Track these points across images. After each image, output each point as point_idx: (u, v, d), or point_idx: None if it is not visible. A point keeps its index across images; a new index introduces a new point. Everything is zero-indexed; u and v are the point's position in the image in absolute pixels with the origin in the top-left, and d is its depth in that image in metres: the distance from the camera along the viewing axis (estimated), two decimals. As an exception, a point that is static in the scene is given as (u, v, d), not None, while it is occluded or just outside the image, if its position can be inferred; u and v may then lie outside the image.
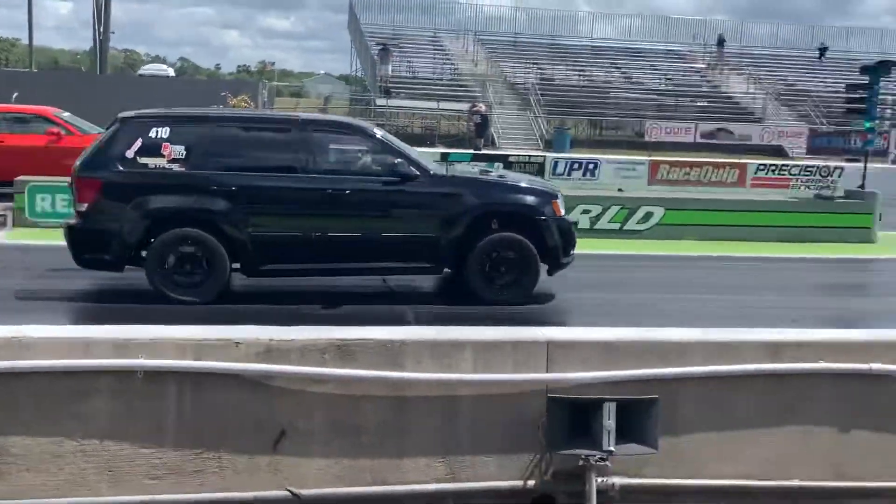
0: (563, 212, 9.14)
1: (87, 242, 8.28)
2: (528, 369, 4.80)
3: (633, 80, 37.23)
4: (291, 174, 8.56)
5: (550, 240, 8.86)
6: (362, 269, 8.98)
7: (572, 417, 4.63)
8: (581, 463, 4.68)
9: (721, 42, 38.53)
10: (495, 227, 8.68)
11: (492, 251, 8.66)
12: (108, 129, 8.63)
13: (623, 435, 4.61)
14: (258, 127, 9.27)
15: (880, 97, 15.15)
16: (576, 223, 9.28)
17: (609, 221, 13.82)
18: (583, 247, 10.35)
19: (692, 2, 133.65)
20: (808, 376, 4.91)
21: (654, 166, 21.42)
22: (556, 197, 9.27)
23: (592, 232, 13.61)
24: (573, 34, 40.97)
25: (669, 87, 36.71)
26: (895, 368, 4.92)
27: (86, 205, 8.17)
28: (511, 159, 21.23)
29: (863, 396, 4.98)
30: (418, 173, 8.72)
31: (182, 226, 8.23)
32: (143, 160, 8.28)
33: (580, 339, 4.91)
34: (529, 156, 21.94)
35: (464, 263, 8.61)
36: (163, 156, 8.37)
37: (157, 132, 8.43)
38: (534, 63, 36.84)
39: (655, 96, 35.62)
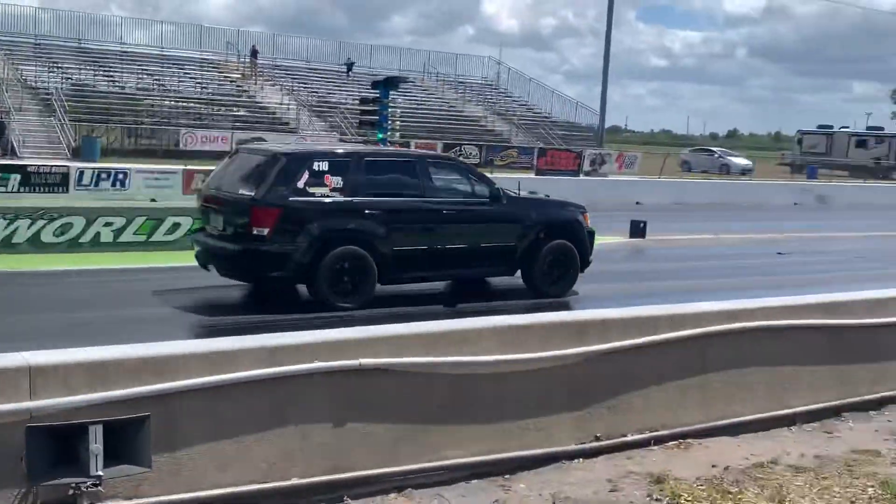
0: (589, 222, 11.69)
1: (268, 262, 9.58)
2: (8, 398, 4.39)
3: (168, 88, 36.49)
4: (419, 199, 10.39)
5: (585, 244, 11.53)
6: (462, 273, 11.20)
7: (57, 445, 4.31)
8: (71, 492, 4.38)
9: (255, 53, 39.24)
10: (542, 236, 11.08)
11: (550, 255, 11.08)
12: (266, 163, 9.92)
13: (115, 457, 4.39)
14: (391, 160, 11.17)
15: (390, 110, 16.49)
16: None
17: (134, 234, 13.38)
18: (97, 262, 10.23)
19: (228, 12, 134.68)
20: (305, 376, 5.08)
21: (189, 176, 21.15)
22: (586, 211, 11.83)
23: (115, 245, 13.07)
24: (103, 38, 39.08)
25: (205, 97, 36.54)
26: (380, 361, 5.28)
27: (266, 230, 9.42)
28: (30, 169, 19.68)
29: (354, 391, 5.27)
30: (501, 196, 10.92)
31: (344, 244, 9.73)
32: (311, 190, 9.70)
33: (66, 362, 4.58)
34: (52, 166, 20.46)
35: (531, 265, 11.03)
36: (325, 186, 9.74)
37: (318, 165, 9.82)
38: (58, 67, 34.52)
39: (191, 105, 35.25)
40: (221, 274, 10.07)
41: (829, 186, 38.39)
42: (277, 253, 9.60)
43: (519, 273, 11.28)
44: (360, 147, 13.24)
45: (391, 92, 16.20)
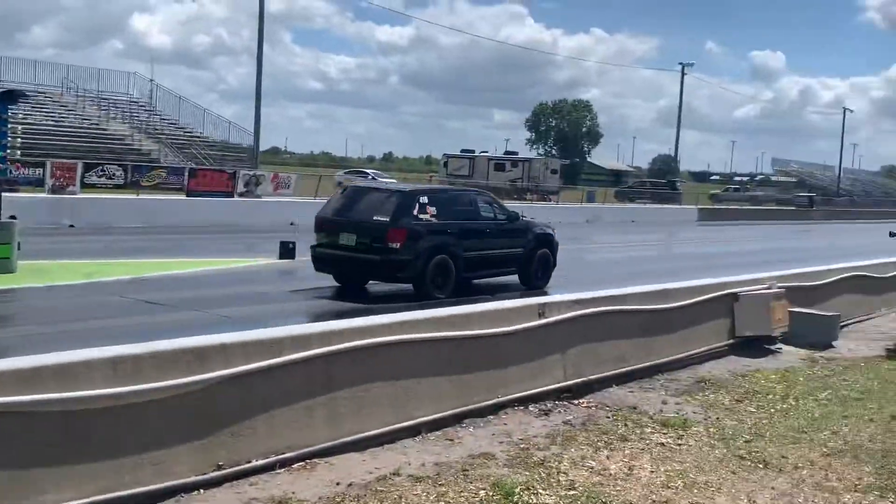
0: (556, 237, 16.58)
1: (399, 267, 13.68)
2: None
3: None
4: (474, 221, 15.02)
5: (555, 253, 16.36)
6: (495, 273, 15.41)
7: None
8: None
9: None
10: (533, 247, 15.85)
11: (538, 260, 15.79)
12: (389, 197, 14.23)
13: None
14: (457, 194, 16.43)
15: (11, 126, 15.07)
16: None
17: None
18: None
19: None
20: None
21: None
22: (554, 228, 16.92)
23: None
24: None
25: None
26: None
27: (398, 244, 13.57)
28: None
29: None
30: (515, 217, 15.72)
31: (440, 253, 13.92)
32: (421, 216, 13.96)
33: None
34: None
35: (528, 267, 15.71)
36: (427, 213, 14.00)
37: (422, 199, 14.18)
38: None
39: None
40: (354, 278, 14.65)
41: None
42: (405, 261, 13.65)
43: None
44: (440, 185, 19.49)
45: (10, 107, 14.82)
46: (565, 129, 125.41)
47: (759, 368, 10.57)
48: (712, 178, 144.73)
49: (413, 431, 7.14)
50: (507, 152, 70.61)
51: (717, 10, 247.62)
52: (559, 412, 8.10)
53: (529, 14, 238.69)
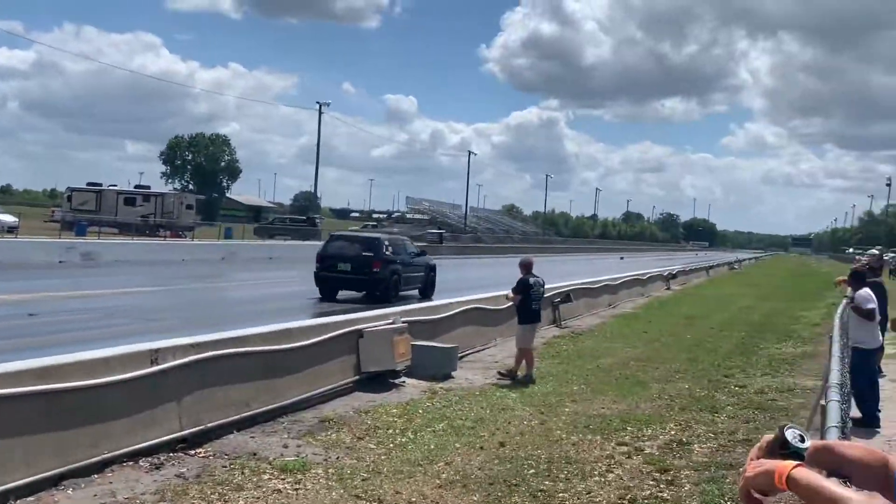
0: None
1: (379, 283, 22.72)
2: None
3: None
4: (407, 254, 24.99)
5: (436, 275, 26.63)
6: (411, 287, 24.74)
7: None
8: None
9: None
10: (427, 271, 26.18)
11: (430, 281, 26.14)
12: (369, 241, 24.34)
13: None
14: (399, 239, 27.60)
15: None
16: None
17: None
18: None
19: None
20: None
21: None
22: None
23: None
24: None
25: None
26: None
27: (378, 269, 22.65)
28: None
29: None
30: (423, 254, 26.99)
31: (397, 274, 23.47)
32: (386, 252, 23.44)
33: None
34: None
35: (426, 285, 25.77)
36: (389, 251, 23.65)
37: (387, 242, 24.55)
38: None
39: None
40: (337, 290, 22.89)
41: (96, 244, 38.49)
42: (382, 278, 22.63)
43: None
44: (392, 234, 32.65)
45: None
46: (203, 164, 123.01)
47: (383, 403, 10.75)
48: (352, 214, 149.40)
49: (0, 500, 6.31)
50: (138, 186, 67.50)
51: (353, 52, 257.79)
52: (172, 465, 7.60)
53: (164, 45, 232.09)
